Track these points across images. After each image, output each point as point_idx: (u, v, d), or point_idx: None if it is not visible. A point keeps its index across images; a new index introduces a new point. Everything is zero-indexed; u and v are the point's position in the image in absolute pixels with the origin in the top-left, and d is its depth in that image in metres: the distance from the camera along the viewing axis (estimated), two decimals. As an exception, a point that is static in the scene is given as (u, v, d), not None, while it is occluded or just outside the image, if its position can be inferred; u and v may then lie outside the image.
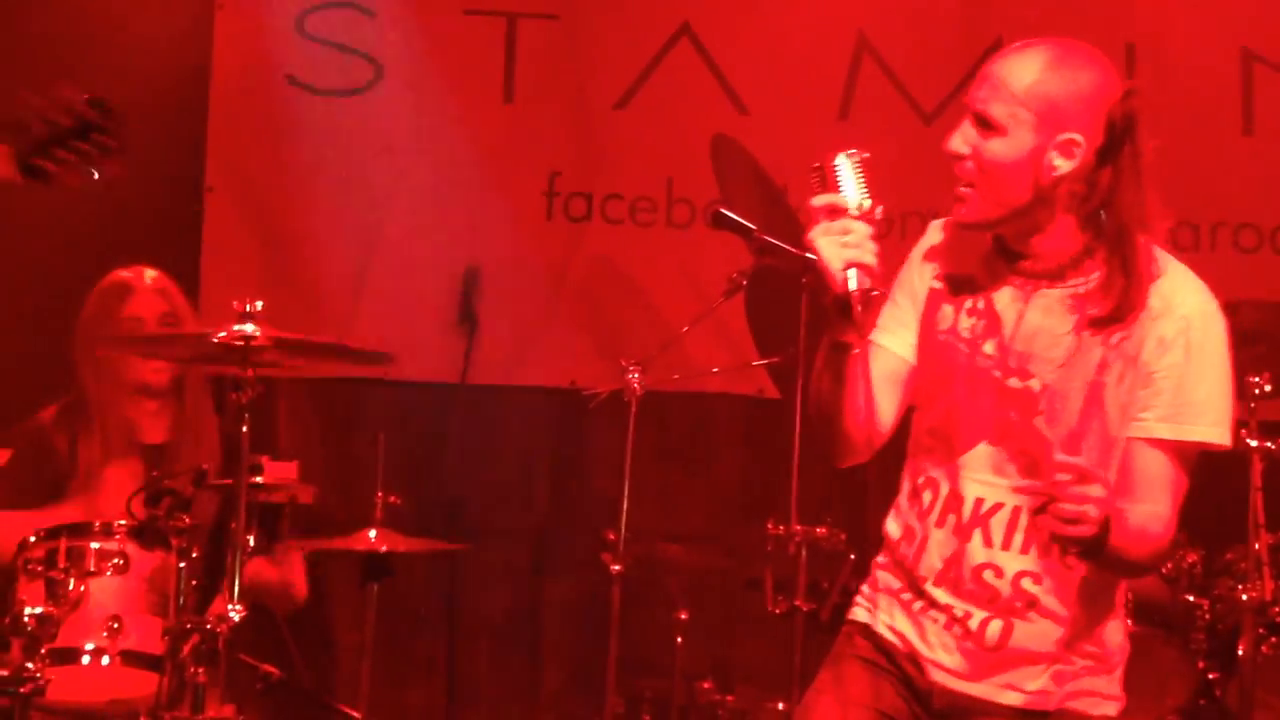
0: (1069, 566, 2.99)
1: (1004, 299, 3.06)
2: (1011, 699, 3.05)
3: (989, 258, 3.09)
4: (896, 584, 3.15)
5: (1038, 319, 3.02)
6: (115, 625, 3.90)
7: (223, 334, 3.78)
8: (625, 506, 4.56)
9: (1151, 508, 2.96)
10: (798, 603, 4.76)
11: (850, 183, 2.90)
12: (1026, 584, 3.02)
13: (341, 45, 6.03)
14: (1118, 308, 2.96)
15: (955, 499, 3.06)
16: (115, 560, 3.94)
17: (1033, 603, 3.02)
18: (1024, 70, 2.96)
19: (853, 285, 2.86)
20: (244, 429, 3.82)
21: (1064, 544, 2.84)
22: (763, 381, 5.41)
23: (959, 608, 3.06)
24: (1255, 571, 4.39)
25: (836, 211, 2.89)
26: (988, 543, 3.02)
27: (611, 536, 4.58)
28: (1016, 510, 3.01)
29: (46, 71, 5.83)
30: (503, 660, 5.96)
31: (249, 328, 3.75)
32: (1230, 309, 4.62)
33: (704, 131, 5.35)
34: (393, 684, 5.70)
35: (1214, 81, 5.78)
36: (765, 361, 5.03)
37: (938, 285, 3.14)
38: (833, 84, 5.90)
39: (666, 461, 5.83)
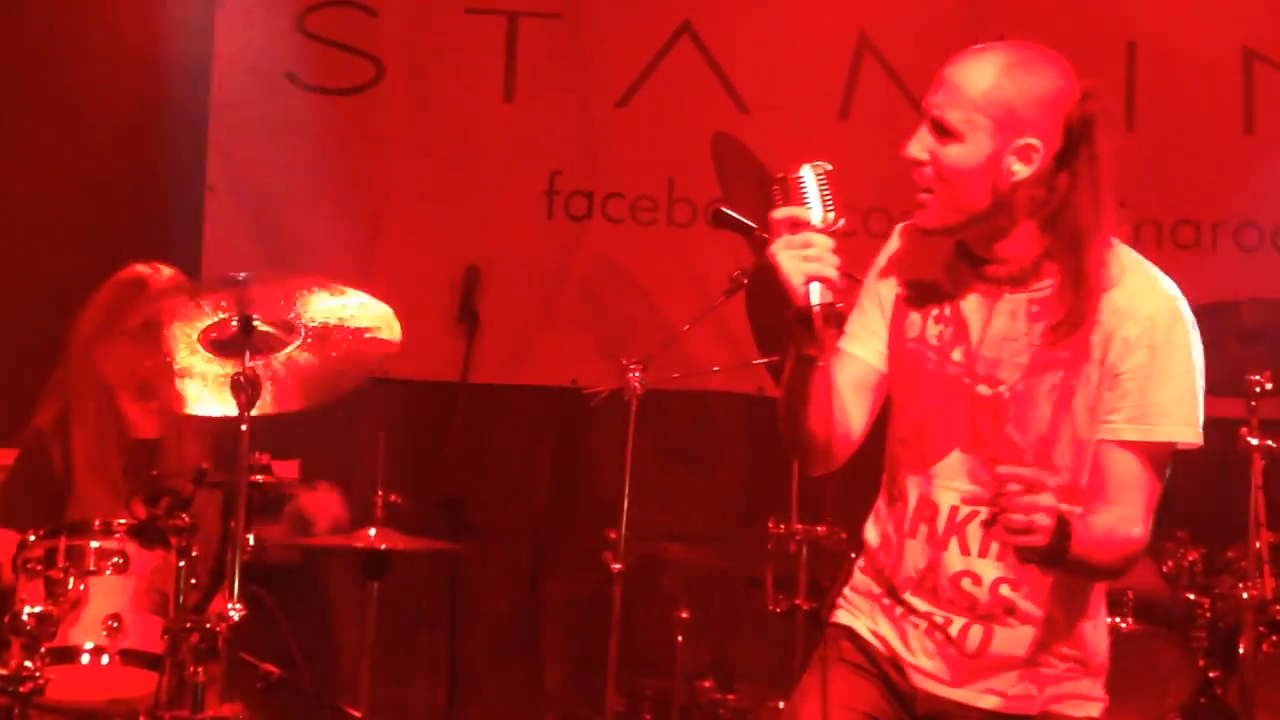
0: (1045, 572, 2.98)
1: (970, 305, 3.05)
2: (994, 703, 3.05)
3: (953, 263, 3.09)
4: (877, 589, 3.15)
5: (1003, 325, 3.02)
6: (115, 624, 3.89)
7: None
8: (626, 505, 4.57)
9: (1121, 510, 2.95)
10: (798, 601, 4.77)
11: (814, 195, 2.89)
12: (1005, 590, 3.02)
13: (342, 44, 6.03)
14: (1068, 315, 2.95)
15: (930, 507, 3.06)
16: (115, 559, 3.94)
17: (1011, 609, 3.02)
18: (980, 75, 2.94)
19: (814, 299, 2.84)
20: (244, 428, 3.83)
21: (1022, 554, 2.83)
22: (764, 380, 5.41)
23: (939, 615, 3.06)
24: (1256, 570, 4.40)
25: (798, 225, 2.87)
26: (964, 550, 3.02)
27: (612, 535, 4.58)
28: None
29: (46, 71, 5.86)
30: (503, 659, 5.96)
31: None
32: (1230, 308, 4.67)
33: (705, 130, 5.34)
34: (393, 683, 5.70)
35: (1215, 80, 5.78)
36: (766, 360, 5.02)
37: (904, 292, 3.13)
38: (834, 83, 5.89)
39: (667, 460, 5.83)
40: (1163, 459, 2.99)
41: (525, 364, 5.96)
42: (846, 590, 3.23)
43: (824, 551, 4.73)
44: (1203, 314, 4.55)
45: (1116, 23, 5.79)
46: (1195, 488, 4.98)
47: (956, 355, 3.04)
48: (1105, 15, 5.78)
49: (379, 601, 4.86)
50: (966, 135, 2.93)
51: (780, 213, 2.89)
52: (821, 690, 3.08)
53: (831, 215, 2.88)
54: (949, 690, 3.06)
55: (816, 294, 2.85)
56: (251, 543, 3.84)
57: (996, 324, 3.02)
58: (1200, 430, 2.99)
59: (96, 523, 4.01)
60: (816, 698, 3.09)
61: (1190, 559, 4.82)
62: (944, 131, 2.95)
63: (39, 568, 3.92)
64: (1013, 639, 3.03)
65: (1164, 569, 4.81)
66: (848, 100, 5.89)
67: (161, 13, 5.96)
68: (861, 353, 3.14)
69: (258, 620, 4.00)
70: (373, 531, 4.72)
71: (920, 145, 2.98)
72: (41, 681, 3.71)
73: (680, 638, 4.98)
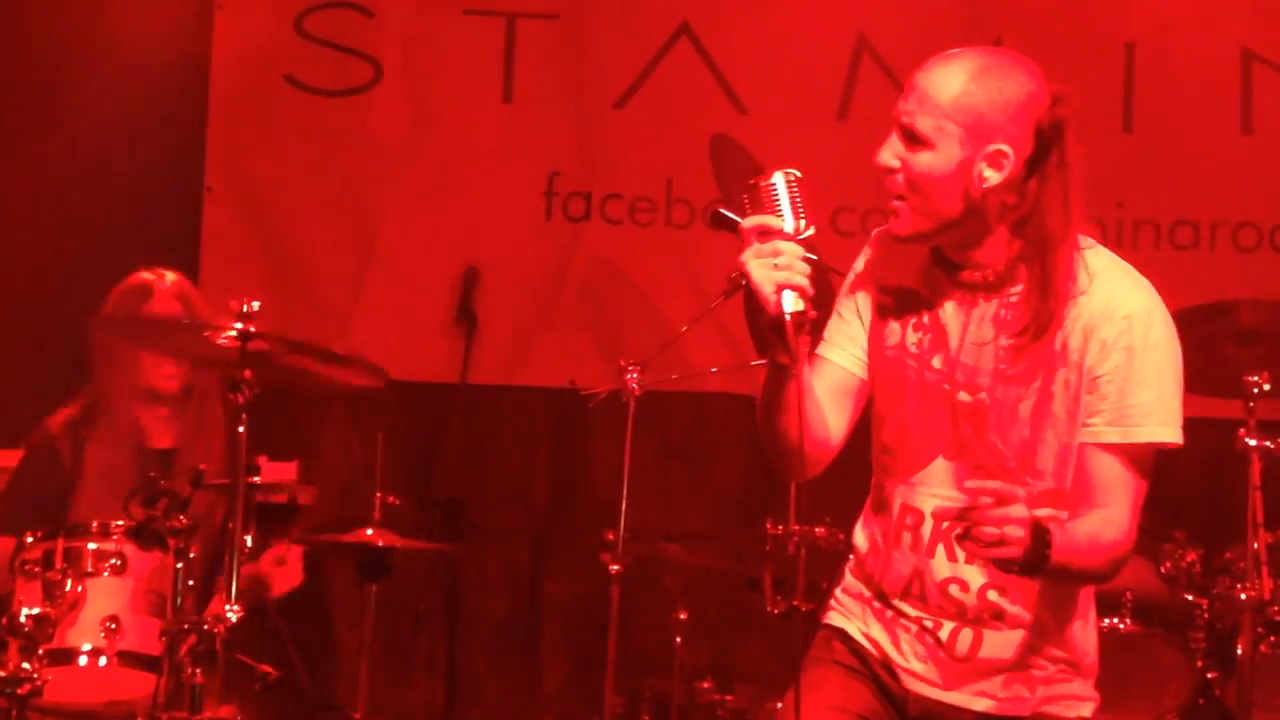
0: (1031, 579, 2.96)
1: (948, 312, 3.04)
2: (986, 706, 3.05)
3: (928, 269, 3.08)
4: (867, 593, 3.16)
5: (981, 331, 3.01)
6: (113, 626, 3.89)
7: (224, 334, 3.79)
8: (624, 506, 4.56)
9: (1107, 513, 2.94)
10: (796, 602, 4.77)
11: (785, 203, 2.88)
12: (992, 596, 3.02)
13: (341, 45, 6.03)
14: (1033, 321, 2.95)
15: (916, 515, 3.06)
16: (113, 561, 3.94)
17: (999, 614, 3.03)
18: (949, 82, 2.92)
19: (786, 307, 2.84)
20: (241, 429, 3.83)
21: (1000, 564, 2.82)
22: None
23: (928, 619, 3.06)
24: (1254, 570, 4.39)
25: (768, 233, 2.87)
26: (951, 557, 3.01)
27: (611, 536, 4.58)
28: None
29: (45, 72, 5.86)
30: (502, 660, 5.96)
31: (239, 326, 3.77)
32: (1229, 308, 4.66)
33: (703, 131, 5.35)
34: (392, 684, 5.70)
35: (1213, 81, 5.77)
36: (764, 361, 5.02)
37: (882, 300, 3.12)
38: (832, 84, 5.89)
39: (666, 461, 5.84)
40: (1146, 459, 2.98)
41: (524, 365, 5.96)
42: (838, 592, 3.24)
43: (822, 552, 4.73)
44: (1201, 314, 4.61)
45: (1115, 24, 5.79)
46: (1193, 489, 5.03)
47: (936, 362, 3.04)
48: (1103, 16, 5.78)
49: (377, 602, 4.86)
50: (937, 143, 2.91)
51: (749, 221, 2.89)
52: (814, 692, 3.08)
53: (803, 223, 2.87)
54: (941, 693, 3.06)
55: (788, 302, 2.84)
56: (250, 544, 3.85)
57: (974, 331, 3.01)
58: (1180, 430, 2.98)
59: (94, 524, 4.01)
60: (809, 699, 3.09)
61: (1188, 560, 4.82)
62: (914, 139, 2.93)
63: (37, 569, 3.92)
64: (1002, 642, 3.03)
65: (1162, 570, 4.80)
66: (846, 101, 5.89)
67: (160, 14, 5.97)
68: (839, 359, 3.14)
69: (256, 621, 4.00)
70: (369, 532, 4.71)
71: (891, 152, 2.97)
72: (39, 683, 3.71)
73: (679, 638, 4.98)
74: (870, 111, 5.85)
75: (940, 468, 3.03)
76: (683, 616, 5.00)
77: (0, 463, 4.67)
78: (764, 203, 2.89)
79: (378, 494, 4.82)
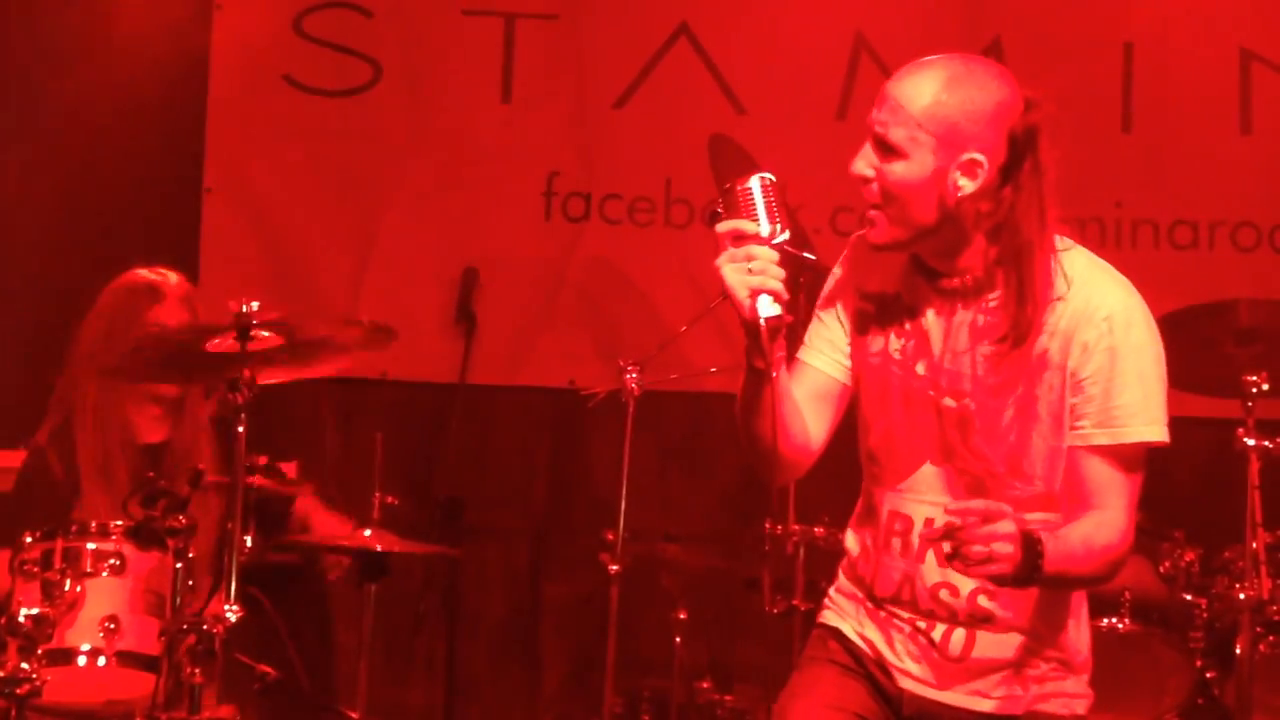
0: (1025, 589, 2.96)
1: (930, 318, 3.05)
2: (980, 705, 3.07)
3: (909, 276, 3.08)
4: (860, 594, 3.17)
5: (962, 337, 3.01)
6: (112, 626, 3.88)
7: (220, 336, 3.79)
8: (624, 506, 4.56)
9: (1101, 515, 2.95)
10: (795, 602, 4.78)
11: (760, 207, 2.88)
12: (983, 600, 3.03)
13: (340, 45, 6.03)
14: (1013, 328, 2.95)
15: (905, 521, 3.07)
16: (112, 561, 3.93)
17: (990, 617, 3.04)
18: (921, 91, 2.92)
19: (762, 312, 2.84)
20: (241, 429, 3.82)
21: (994, 580, 2.82)
22: (761, 381, 5.40)
23: (921, 621, 3.07)
24: (1253, 570, 4.38)
25: (742, 237, 2.86)
26: (941, 563, 3.00)
27: (610, 536, 4.58)
28: None
29: (45, 72, 5.86)
30: (502, 660, 5.96)
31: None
32: (1228, 308, 4.66)
33: (702, 131, 5.35)
34: (391, 684, 5.70)
35: (1212, 81, 5.78)
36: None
37: (863, 305, 3.13)
38: (831, 84, 5.89)
39: (665, 461, 5.84)
40: (1136, 459, 2.98)
41: (523, 365, 5.96)
42: (832, 591, 3.25)
43: (821, 552, 4.73)
44: (1200, 314, 4.61)
45: (1113, 24, 5.79)
46: (1192, 488, 5.03)
47: (920, 369, 3.04)
48: (1102, 16, 5.79)
49: (376, 603, 4.85)
50: (910, 152, 2.92)
51: (723, 225, 2.89)
52: (810, 690, 3.09)
53: (778, 227, 2.87)
54: (935, 693, 3.07)
55: (763, 307, 2.84)
56: (249, 544, 3.85)
57: (956, 337, 3.02)
58: (1166, 428, 2.98)
59: (93, 524, 4.00)
60: (805, 698, 3.10)
61: (1187, 559, 4.82)
62: (888, 149, 2.94)
63: (35, 569, 3.91)
64: (995, 643, 3.04)
65: (1161, 569, 4.81)
66: (845, 101, 5.88)
67: (159, 14, 5.97)
68: (820, 363, 3.15)
69: (255, 621, 3.99)
70: (367, 533, 4.71)
71: (865, 162, 2.97)
72: (38, 683, 3.69)
73: (678, 638, 4.98)
74: (869, 111, 5.85)
75: (928, 474, 3.04)
76: (682, 616, 5.00)
77: (0, 463, 4.66)
78: (739, 207, 2.89)
79: (377, 494, 4.82)
